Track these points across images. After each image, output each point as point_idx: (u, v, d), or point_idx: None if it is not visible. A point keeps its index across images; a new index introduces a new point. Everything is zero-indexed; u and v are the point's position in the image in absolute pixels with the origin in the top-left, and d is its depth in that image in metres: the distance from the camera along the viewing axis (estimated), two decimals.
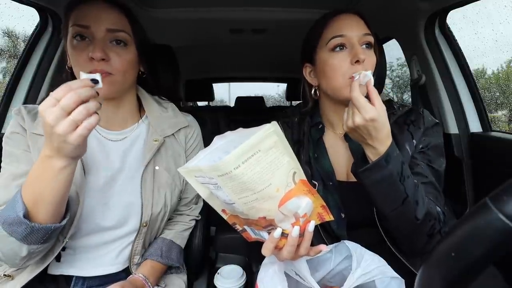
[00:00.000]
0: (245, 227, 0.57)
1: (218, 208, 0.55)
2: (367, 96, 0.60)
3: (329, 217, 0.55)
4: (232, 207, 0.51)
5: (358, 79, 0.61)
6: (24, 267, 0.66)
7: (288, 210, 0.49)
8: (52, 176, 0.53)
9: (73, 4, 0.67)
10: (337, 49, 0.70)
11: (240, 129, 0.54)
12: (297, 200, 0.49)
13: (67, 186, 0.56)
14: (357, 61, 0.67)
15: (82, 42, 0.66)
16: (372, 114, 0.56)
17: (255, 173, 0.44)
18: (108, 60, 0.65)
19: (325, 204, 0.54)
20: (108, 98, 0.71)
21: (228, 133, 0.55)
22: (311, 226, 0.52)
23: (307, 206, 0.50)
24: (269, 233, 0.54)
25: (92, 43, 0.65)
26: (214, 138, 0.56)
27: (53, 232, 0.58)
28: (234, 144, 0.52)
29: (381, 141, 0.59)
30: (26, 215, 0.54)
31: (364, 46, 0.70)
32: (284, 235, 0.52)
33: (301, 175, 0.50)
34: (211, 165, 0.45)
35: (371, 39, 0.71)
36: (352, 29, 0.70)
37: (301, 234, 0.52)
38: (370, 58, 0.70)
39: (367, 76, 0.61)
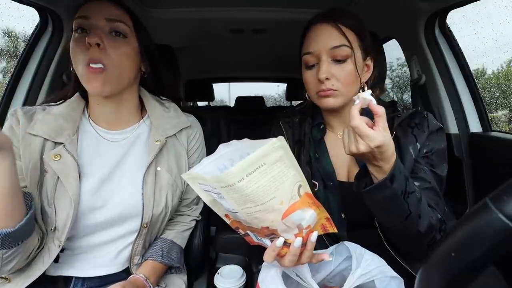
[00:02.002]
0: (248, 232, 0.57)
1: (221, 213, 0.55)
2: (364, 111, 0.57)
3: (332, 229, 0.55)
4: (235, 215, 0.51)
5: (358, 105, 0.56)
6: (22, 270, 0.66)
7: (292, 222, 0.49)
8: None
9: (78, 6, 0.68)
10: (308, 66, 0.72)
11: (246, 139, 0.54)
12: (301, 212, 0.49)
13: (7, 185, 0.54)
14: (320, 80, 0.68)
15: (83, 35, 0.66)
16: (378, 141, 0.53)
17: (259, 186, 0.44)
18: (105, 50, 0.65)
19: (329, 216, 0.53)
20: (108, 95, 0.70)
21: (234, 141, 0.55)
22: (313, 237, 0.52)
23: (311, 218, 0.50)
24: (271, 240, 0.54)
25: (90, 32, 0.66)
26: (219, 146, 0.56)
27: (10, 236, 0.55)
28: (239, 153, 0.52)
29: (386, 160, 0.56)
30: None
31: (333, 60, 0.69)
32: (286, 244, 0.52)
33: (306, 188, 0.50)
34: (214, 176, 0.44)
35: (341, 52, 0.67)
36: (319, 44, 0.69)
37: (304, 244, 0.52)
38: (340, 72, 0.68)
39: (366, 100, 0.56)
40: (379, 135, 0.53)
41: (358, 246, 0.62)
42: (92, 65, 0.64)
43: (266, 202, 0.46)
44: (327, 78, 0.68)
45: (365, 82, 0.74)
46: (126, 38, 0.69)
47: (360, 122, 0.54)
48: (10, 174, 0.54)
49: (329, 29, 0.69)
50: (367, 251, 0.61)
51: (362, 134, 0.53)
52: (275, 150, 0.44)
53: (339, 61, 0.69)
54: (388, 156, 0.56)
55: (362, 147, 0.54)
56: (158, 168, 0.75)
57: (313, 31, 0.72)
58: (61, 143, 0.68)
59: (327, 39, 0.69)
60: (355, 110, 0.55)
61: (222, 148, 0.55)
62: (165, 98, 0.88)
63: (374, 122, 0.55)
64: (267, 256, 0.53)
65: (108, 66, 0.65)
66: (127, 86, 0.74)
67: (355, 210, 0.72)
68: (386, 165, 0.57)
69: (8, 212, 0.55)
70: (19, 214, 0.57)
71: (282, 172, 0.46)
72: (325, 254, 0.57)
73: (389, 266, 0.58)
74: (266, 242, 0.56)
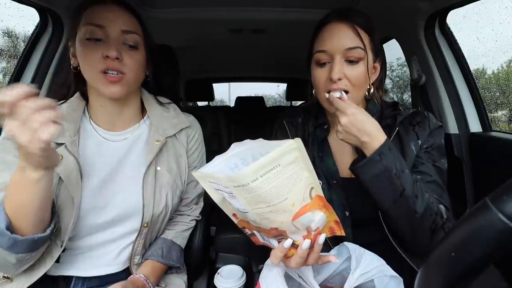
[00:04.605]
0: (255, 232, 0.57)
1: (229, 212, 0.55)
2: None
3: (340, 232, 0.55)
4: (245, 215, 0.51)
5: (333, 94, 0.68)
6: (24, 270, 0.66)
7: (301, 224, 0.49)
8: (29, 187, 0.53)
9: (86, 5, 0.68)
10: (320, 64, 0.72)
11: (260, 139, 0.54)
12: (311, 214, 0.49)
13: (46, 196, 0.56)
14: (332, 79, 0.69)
15: (97, 44, 0.67)
16: (351, 108, 0.63)
17: (272, 187, 0.44)
18: (121, 60, 0.67)
19: (338, 220, 0.53)
20: (115, 98, 0.72)
21: (247, 141, 0.55)
22: (321, 239, 0.52)
23: (320, 221, 0.50)
24: (278, 241, 0.54)
25: (106, 42, 0.67)
26: (232, 145, 0.55)
27: (38, 242, 0.58)
28: (251, 152, 0.51)
29: (372, 136, 0.62)
30: (9, 226, 0.54)
31: (346, 60, 0.69)
32: (294, 245, 0.52)
33: (318, 190, 0.50)
34: (228, 175, 0.44)
35: (356, 53, 0.68)
36: (334, 43, 0.69)
37: (311, 246, 0.52)
38: (352, 73, 0.69)
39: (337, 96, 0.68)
40: (352, 105, 0.64)
41: (358, 246, 0.62)
42: (111, 73, 0.67)
43: (278, 203, 0.45)
44: (339, 79, 0.69)
45: (371, 84, 0.75)
46: (138, 47, 0.71)
47: (338, 100, 0.65)
48: (50, 187, 0.57)
49: (345, 29, 0.69)
50: (366, 250, 0.61)
51: (340, 107, 0.64)
52: (291, 151, 0.44)
53: (351, 62, 0.69)
54: (371, 129, 0.63)
55: (343, 119, 0.63)
56: (158, 168, 0.76)
57: (328, 29, 0.71)
58: (63, 144, 0.68)
59: (342, 39, 0.68)
60: (333, 95, 0.67)
61: (235, 147, 0.54)
62: (166, 101, 0.88)
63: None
64: (274, 257, 0.53)
65: (126, 73, 0.68)
66: (135, 90, 0.76)
67: (359, 207, 0.73)
68: (374, 142, 0.63)
69: (41, 219, 0.58)
70: (47, 219, 0.60)
71: (296, 173, 0.46)
72: (331, 256, 0.57)
73: (388, 266, 0.58)
74: (273, 242, 0.56)
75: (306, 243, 0.51)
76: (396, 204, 0.63)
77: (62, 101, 0.75)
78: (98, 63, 0.66)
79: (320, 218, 0.50)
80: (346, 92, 0.69)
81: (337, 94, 0.67)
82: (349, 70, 0.69)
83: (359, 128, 0.62)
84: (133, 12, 0.73)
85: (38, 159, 0.50)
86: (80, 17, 0.68)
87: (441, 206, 0.67)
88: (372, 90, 0.75)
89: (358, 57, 0.68)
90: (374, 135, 0.62)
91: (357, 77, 0.69)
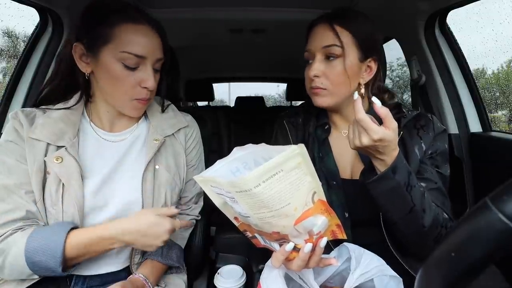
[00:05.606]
0: (256, 235, 0.57)
1: (231, 216, 0.55)
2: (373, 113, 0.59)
3: (342, 236, 0.55)
4: (246, 219, 0.51)
5: (359, 99, 0.59)
6: None
7: (303, 228, 0.49)
8: (100, 249, 0.63)
9: (120, 17, 0.67)
10: (307, 62, 0.76)
11: (263, 144, 0.54)
12: (313, 219, 0.49)
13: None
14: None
15: (131, 70, 0.68)
16: (380, 134, 0.56)
17: (275, 192, 0.44)
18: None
19: (340, 223, 0.53)
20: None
21: (249, 145, 0.55)
22: (322, 242, 0.52)
23: (322, 225, 0.50)
24: (280, 244, 0.54)
25: (141, 71, 0.69)
26: (234, 149, 0.55)
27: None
28: (253, 157, 0.51)
29: (388, 154, 0.59)
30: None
31: (326, 59, 0.71)
32: (295, 248, 0.52)
33: (320, 195, 0.50)
34: (230, 181, 0.44)
35: (332, 51, 0.70)
36: (315, 43, 0.73)
37: (313, 249, 0.52)
38: (331, 70, 0.71)
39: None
40: (382, 129, 0.56)
41: (357, 246, 0.62)
42: (142, 99, 0.71)
43: (280, 208, 0.45)
44: (316, 76, 0.72)
45: (365, 84, 0.74)
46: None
47: (365, 115, 0.57)
48: None
49: (324, 29, 0.72)
50: (366, 250, 0.61)
51: (366, 127, 0.56)
52: (294, 156, 0.44)
53: (330, 60, 0.71)
54: (390, 150, 0.59)
55: (365, 140, 0.57)
56: (157, 167, 0.76)
57: (313, 30, 0.75)
58: (63, 147, 0.68)
59: (320, 39, 0.72)
60: (359, 104, 0.58)
61: (237, 151, 0.54)
62: (165, 103, 0.88)
63: (383, 124, 0.58)
64: (275, 260, 0.53)
65: (151, 98, 0.74)
66: None
67: (358, 208, 0.73)
68: (388, 159, 0.60)
69: None
70: None
71: (298, 179, 0.45)
72: (333, 259, 0.57)
73: (388, 266, 0.58)
74: (275, 246, 0.55)
75: (308, 246, 0.51)
76: (404, 219, 0.63)
77: (62, 103, 0.75)
78: (133, 91, 0.69)
79: (322, 222, 0.50)
80: (323, 89, 0.72)
81: (355, 96, 0.60)
82: (327, 68, 0.71)
83: (380, 152, 0.59)
84: (164, 36, 0.74)
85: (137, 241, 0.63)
86: (111, 30, 0.66)
87: (445, 216, 0.67)
88: (362, 90, 0.74)
89: (335, 54, 0.70)
90: (390, 153, 0.59)
91: (335, 75, 0.71)
